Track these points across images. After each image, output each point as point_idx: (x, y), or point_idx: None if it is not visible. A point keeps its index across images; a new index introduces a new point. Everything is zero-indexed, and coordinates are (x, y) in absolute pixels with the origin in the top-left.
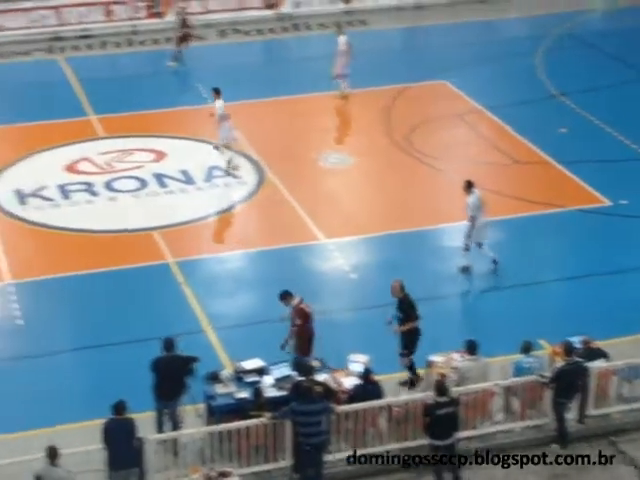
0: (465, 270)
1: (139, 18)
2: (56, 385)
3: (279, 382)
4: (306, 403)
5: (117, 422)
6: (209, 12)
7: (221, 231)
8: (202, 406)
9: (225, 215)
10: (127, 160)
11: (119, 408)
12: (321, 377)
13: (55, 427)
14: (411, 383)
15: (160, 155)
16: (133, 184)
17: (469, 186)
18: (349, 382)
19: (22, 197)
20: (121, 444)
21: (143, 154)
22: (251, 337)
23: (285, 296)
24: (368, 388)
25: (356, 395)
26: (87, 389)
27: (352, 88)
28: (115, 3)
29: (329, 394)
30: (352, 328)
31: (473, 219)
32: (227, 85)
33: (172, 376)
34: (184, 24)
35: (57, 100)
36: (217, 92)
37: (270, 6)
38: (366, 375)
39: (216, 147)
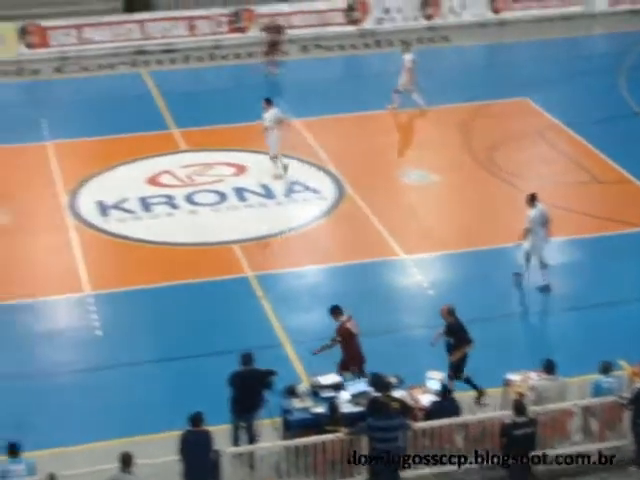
0: (544, 289)
1: (222, 33)
2: (134, 396)
3: (355, 398)
4: (383, 419)
5: (194, 434)
6: (292, 27)
7: (300, 246)
8: (279, 420)
9: (304, 230)
10: (208, 174)
11: (196, 420)
12: (398, 394)
13: (132, 438)
14: (479, 397)
15: (241, 169)
16: (213, 198)
17: (532, 199)
18: (426, 399)
19: (104, 209)
20: (197, 456)
21: (224, 168)
22: (328, 352)
23: (335, 311)
24: (445, 405)
25: (433, 412)
26: (164, 401)
27: (429, 105)
28: (198, 18)
29: (406, 410)
30: (429, 345)
31: (528, 231)
32: (308, 100)
33: (249, 390)
34: (274, 30)
35: (140, 113)
36: (269, 102)
37: (352, 22)
38: (443, 392)
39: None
